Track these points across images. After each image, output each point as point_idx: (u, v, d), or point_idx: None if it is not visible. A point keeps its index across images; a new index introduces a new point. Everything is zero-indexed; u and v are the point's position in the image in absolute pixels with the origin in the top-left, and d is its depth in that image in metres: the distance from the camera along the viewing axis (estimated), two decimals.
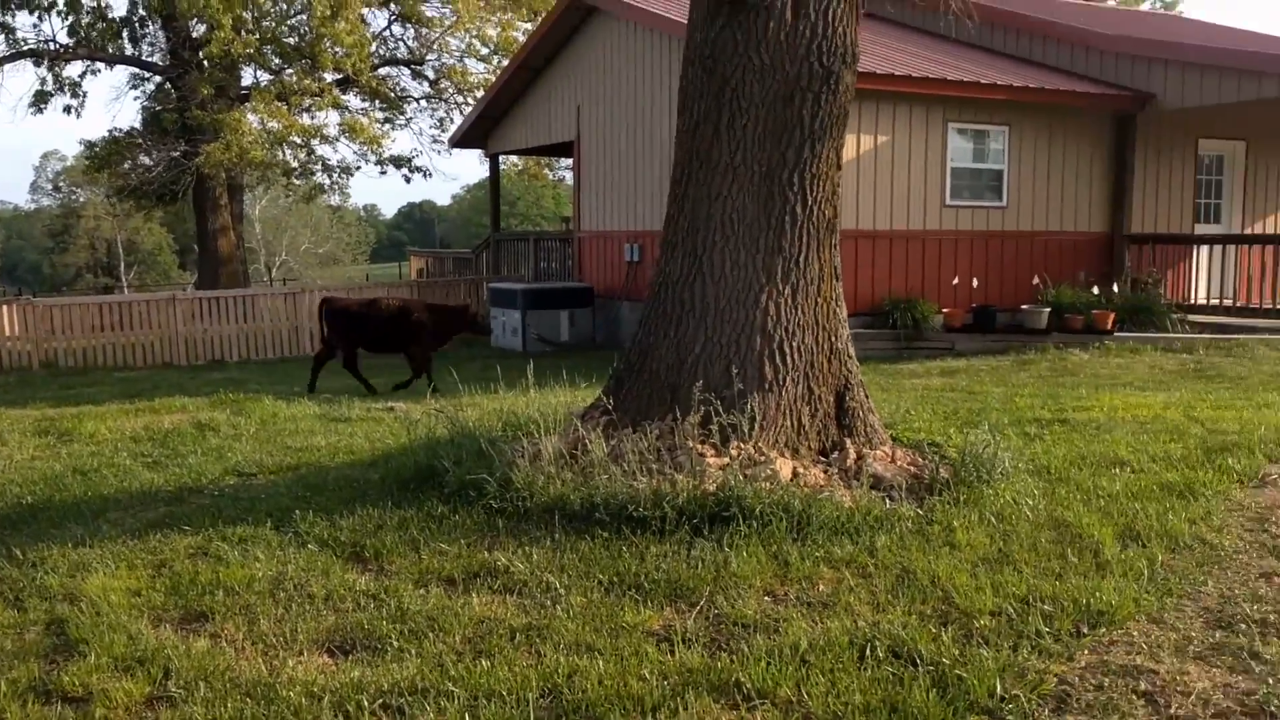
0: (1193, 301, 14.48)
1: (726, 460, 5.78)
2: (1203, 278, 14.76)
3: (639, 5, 15.51)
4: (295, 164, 27.77)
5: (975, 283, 13.77)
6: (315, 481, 6.61)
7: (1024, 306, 13.36)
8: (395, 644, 4.03)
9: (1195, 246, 14.85)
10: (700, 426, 5.89)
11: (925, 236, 13.62)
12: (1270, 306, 13.47)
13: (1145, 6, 35.38)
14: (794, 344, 6.12)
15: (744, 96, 5.76)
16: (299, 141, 26.44)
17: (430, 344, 11.64)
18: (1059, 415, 8.00)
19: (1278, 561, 4.63)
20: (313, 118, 26.48)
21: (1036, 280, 13.81)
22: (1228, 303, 14.16)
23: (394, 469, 6.55)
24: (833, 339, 6.32)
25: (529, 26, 25.72)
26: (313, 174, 28.69)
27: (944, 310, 13.11)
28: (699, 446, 5.87)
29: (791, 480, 5.74)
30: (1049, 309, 13.04)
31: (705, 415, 5.86)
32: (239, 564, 4.96)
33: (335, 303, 12.01)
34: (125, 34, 27.24)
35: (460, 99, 28.64)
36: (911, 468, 6.31)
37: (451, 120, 29.05)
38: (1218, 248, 14.27)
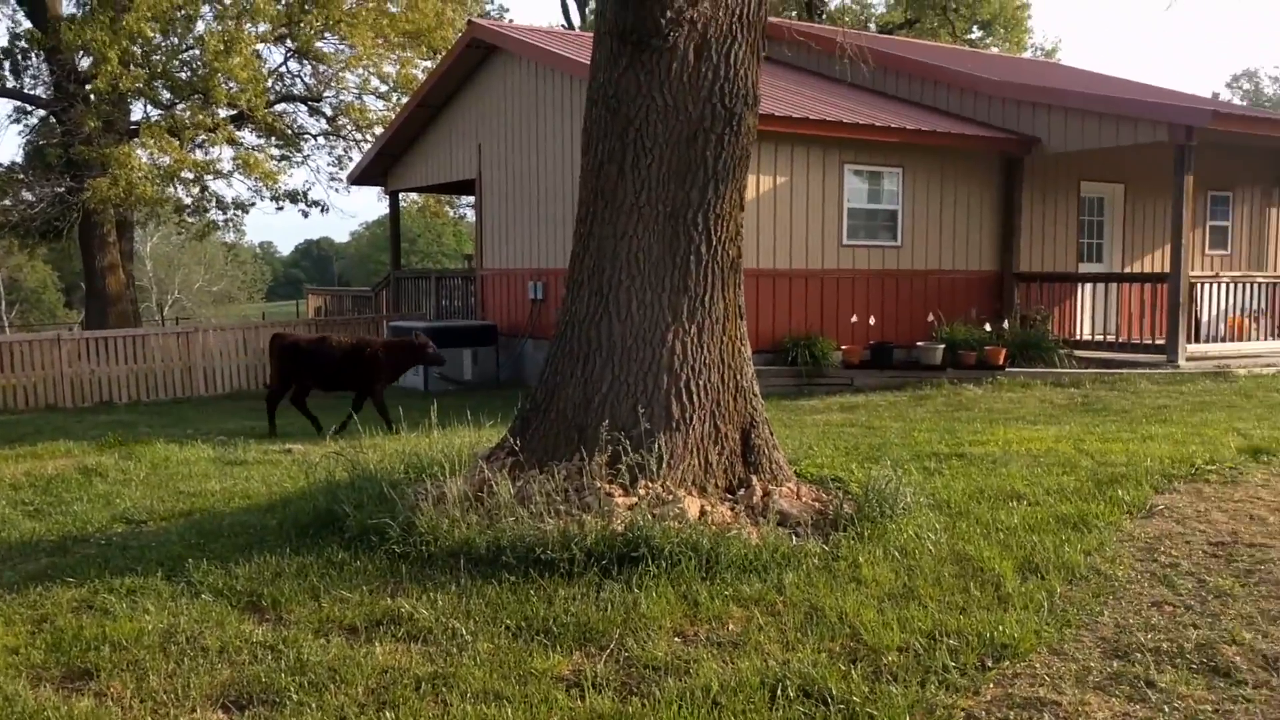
0: (1078, 337, 15.03)
1: (635, 500, 5.76)
2: (1087, 314, 15.35)
3: (539, 45, 15.60)
4: (188, 200, 27.08)
5: (873, 320, 14.08)
6: (209, 528, 6.38)
7: (920, 343, 13.68)
8: (294, 697, 3.89)
9: (1079, 284, 15.44)
10: (608, 466, 5.87)
11: (824, 275, 13.88)
12: (1150, 342, 14.04)
13: (1027, 54, 36.90)
14: (700, 382, 6.15)
15: (648, 136, 5.80)
16: (191, 177, 25.82)
17: (386, 379, 11.45)
18: (956, 450, 8.18)
19: (1168, 590, 4.78)
20: (206, 153, 25.91)
21: (931, 317, 14.18)
22: (1111, 338, 14.73)
23: (292, 514, 6.37)
24: (738, 377, 6.36)
25: (429, 64, 25.63)
26: (206, 210, 28.01)
27: (843, 347, 13.36)
28: (607, 486, 5.83)
29: (699, 519, 5.74)
30: (944, 345, 13.38)
31: (613, 455, 5.84)
32: (127, 617, 4.75)
33: (286, 338, 11.73)
34: (7, 65, 26.34)
35: (359, 136, 28.35)
36: (816, 504, 6.38)
37: (350, 157, 28.74)
38: (1101, 285, 14.86)
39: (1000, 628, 4.29)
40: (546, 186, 15.55)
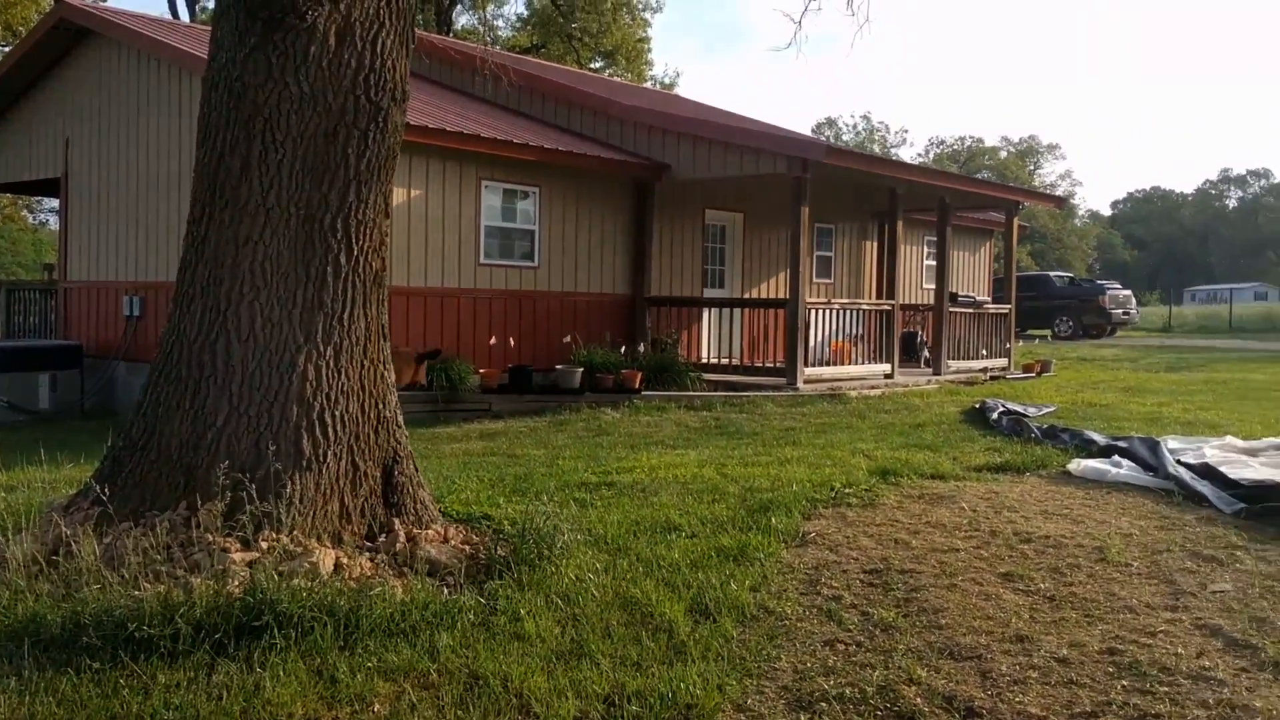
0: (704, 360, 15.51)
1: (256, 555, 4.88)
2: (711, 338, 15.90)
3: (143, 31, 13.85)
4: None
5: (511, 342, 13.69)
6: None
7: (559, 366, 13.46)
8: None
9: (705, 309, 15.97)
10: (225, 517, 4.94)
11: (461, 295, 13.32)
12: (771, 365, 14.74)
13: (648, 85, 38.53)
14: (337, 413, 5.37)
15: (279, 128, 4.96)
16: None
17: None
18: (605, 478, 7.89)
19: (837, 627, 4.65)
20: None
21: (569, 340, 14.03)
22: (734, 361, 15.32)
23: None
24: (380, 406, 5.64)
25: (5, 47, 22.31)
26: None
27: (481, 370, 12.84)
28: (222, 541, 4.90)
29: (334, 574, 4.96)
30: (582, 369, 13.24)
31: (231, 502, 4.93)
32: None
33: None
34: None
35: None
36: (467, 547, 5.78)
37: None
38: (725, 310, 15.42)
39: (682, 684, 3.92)
40: (148, 189, 13.80)
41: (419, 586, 4.93)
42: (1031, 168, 77.50)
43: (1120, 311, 32.78)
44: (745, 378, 14.30)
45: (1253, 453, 8.95)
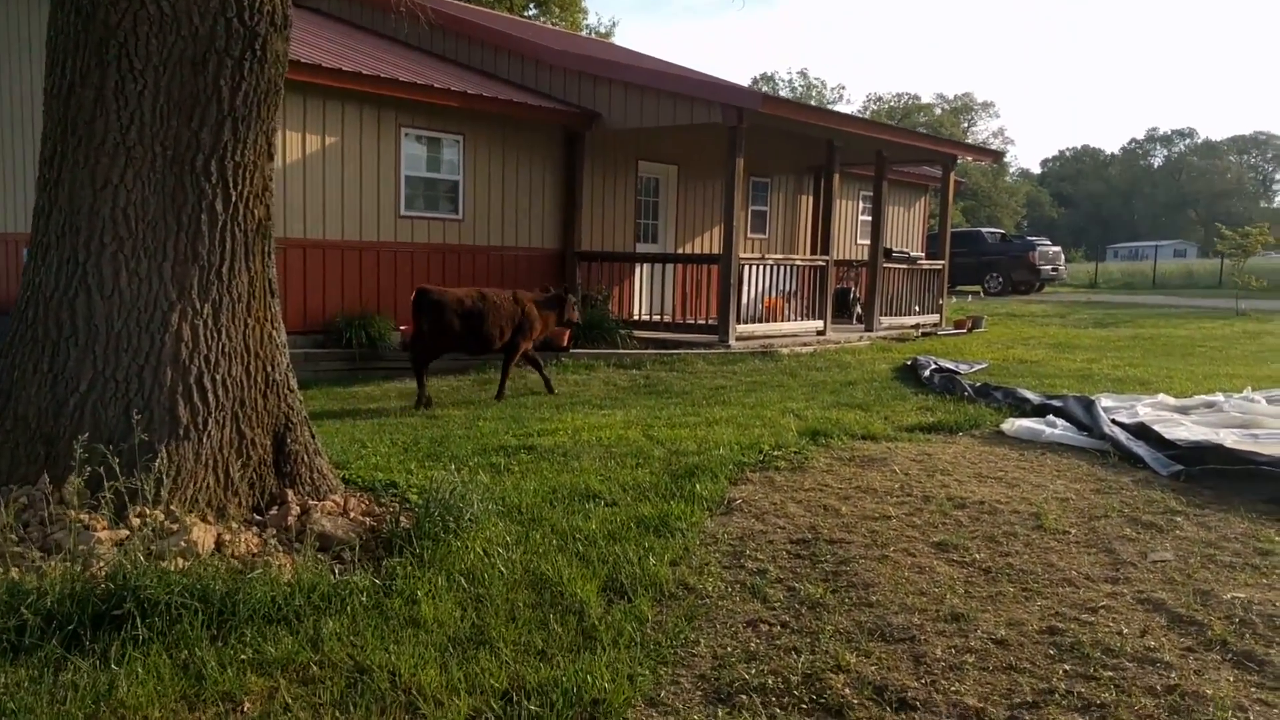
0: (636, 317, 15.11)
1: (126, 533, 4.40)
2: (644, 294, 15.49)
3: None
4: None
5: None
6: None
7: None
8: None
9: (638, 265, 15.53)
10: (90, 491, 4.45)
11: (380, 248, 12.73)
12: (703, 322, 14.39)
13: (583, 34, 37.65)
14: (218, 377, 4.88)
15: (137, 55, 4.41)
16: None
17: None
18: (525, 441, 7.49)
19: (761, 605, 4.31)
20: None
21: None
22: (667, 318, 14.95)
23: None
24: (269, 368, 5.16)
25: None
26: None
27: (402, 328, 12.29)
28: (85, 517, 4.42)
29: (215, 552, 4.51)
30: None
31: (96, 475, 4.43)
32: None
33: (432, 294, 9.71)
34: None
35: None
36: (367, 519, 5.36)
37: None
38: (657, 265, 15.00)
39: (589, 677, 3.55)
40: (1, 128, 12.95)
41: (310, 565, 4.50)
42: (965, 125, 77.80)
43: (1049, 268, 32.98)
44: (678, 335, 13.94)
45: (1184, 410, 8.82)
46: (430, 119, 13.14)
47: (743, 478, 6.38)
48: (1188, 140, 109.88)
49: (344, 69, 11.84)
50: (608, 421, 8.37)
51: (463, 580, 4.46)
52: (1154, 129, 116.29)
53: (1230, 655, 3.83)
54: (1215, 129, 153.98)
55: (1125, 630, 4.04)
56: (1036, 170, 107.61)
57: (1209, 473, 6.26)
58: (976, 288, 32.18)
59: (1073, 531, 5.35)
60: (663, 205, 17.09)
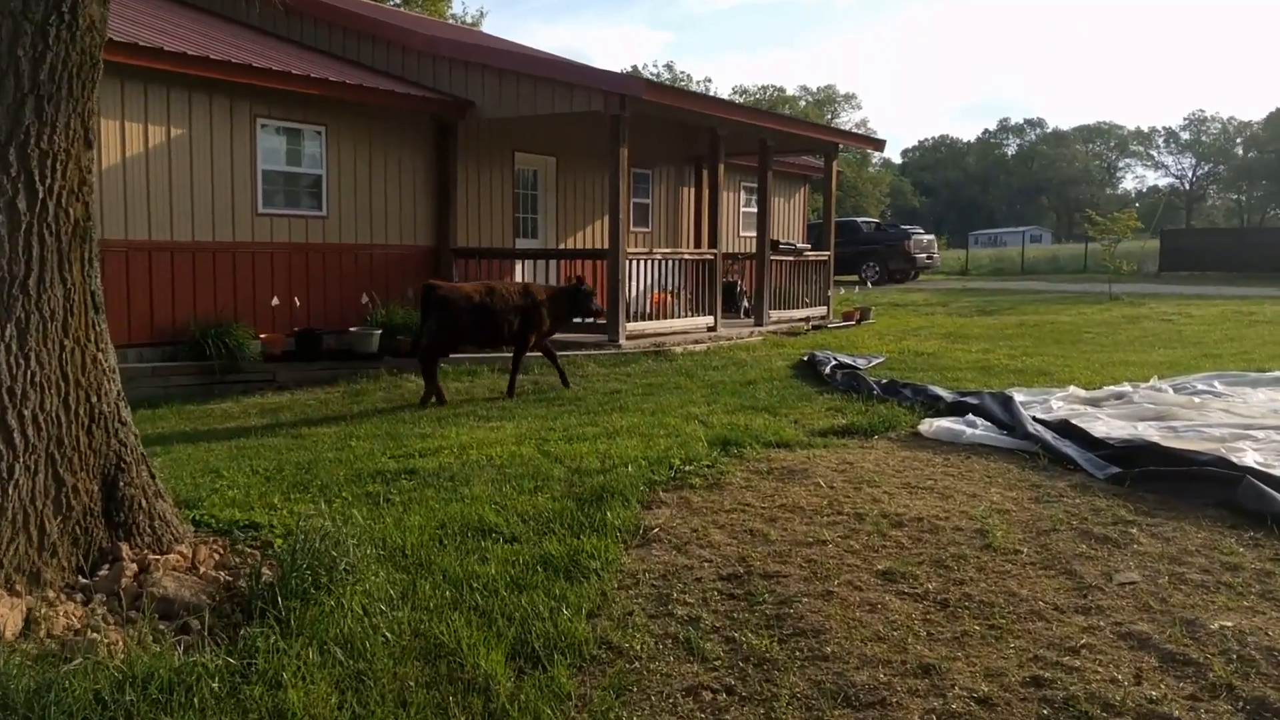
0: None
1: None
2: None
3: None
4: None
5: (298, 303, 12.13)
6: None
7: (353, 329, 12.02)
8: None
9: (517, 261, 14.74)
10: None
11: (237, 249, 11.66)
12: (590, 321, 13.68)
13: (450, 21, 36.47)
14: (27, 413, 3.99)
15: None
16: None
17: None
18: (405, 464, 6.69)
19: (699, 666, 3.67)
20: None
21: (366, 299, 12.56)
22: None
23: None
24: (94, 399, 4.28)
25: None
26: None
27: (263, 336, 11.28)
28: None
29: (24, 635, 3.64)
30: (380, 331, 11.86)
31: None
32: None
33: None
34: None
35: None
36: (222, 573, 4.53)
37: None
38: (540, 262, 14.24)
39: None
40: None
41: (148, 642, 3.67)
42: (829, 117, 78.88)
43: (924, 256, 33.39)
44: (565, 335, 13.18)
45: (1096, 403, 8.56)
46: (289, 109, 12.11)
47: (656, 499, 5.73)
48: (1038, 130, 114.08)
49: (189, 53, 10.75)
50: (498, 436, 7.63)
51: (339, 652, 3.68)
52: (1006, 119, 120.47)
53: (1242, 704, 3.35)
54: (1063, 118, 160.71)
55: (1118, 676, 3.53)
56: (898, 160, 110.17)
57: (1148, 475, 5.87)
58: (853, 277, 32.35)
59: (1025, 550, 4.86)
60: (542, 198, 16.33)
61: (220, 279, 11.49)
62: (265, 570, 4.49)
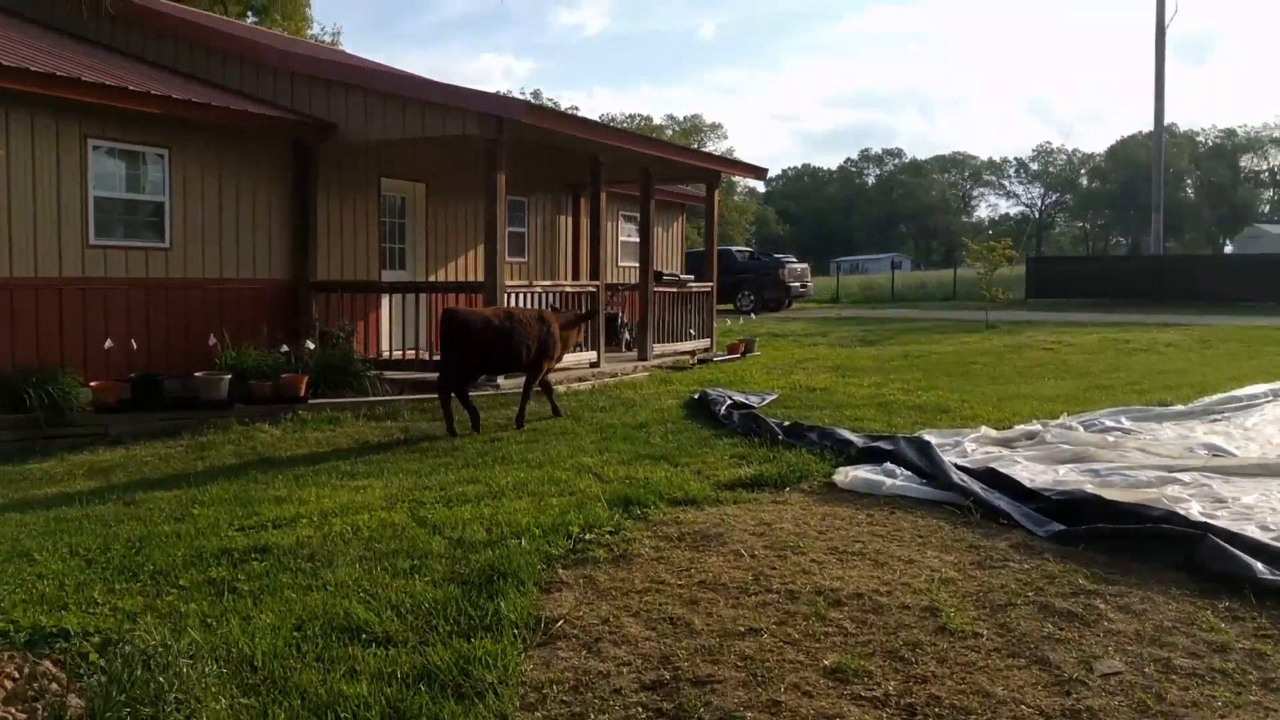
0: (385, 356, 13.29)
1: None
2: (394, 329, 13.68)
3: None
4: None
5: (135, 345, 10.85)
6: None
7: (198, 374, 10.80)
8: None
9: (386, 295, 13.72)
10: None
11: (64, 285, 10.38)
12: None
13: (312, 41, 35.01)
14: None
15: None
16: None
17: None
18: (257, 539, 5.74)
19: None
20: None
21: (214, 340, 11.35)
22: (421, 355, 13.24)
23: None
24: None
25: None
26: None
27: (94, 383, 9.99)
28: None
29: None
30: (229, 375, 10.69)
31: None
32: None
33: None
34: None
35: None
36: (15, 708, 3.54)
37: None
38: (409, 296, 13.24)
39: None
40: None
41: None
42: (697, 145, 79.52)
43: (798, 284, 33.42)
44: (435, 374, 12.25)
45: (1009, 443, 8.17)
46: (126, 129, 10.91)
47: (555, 579, 4.93)
48: (896, 160, 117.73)
49: (6, 64, 9.50)
50: (365, 499, 6.71)
51: None
52: (867, 149, 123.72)
53: None
54: (920, 149, 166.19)
55: None
56: (762, 189, 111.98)
57: (1096, 533, 5.36)
58: (729, 306, 32.09)
59: (985, 633, 4.24)
60: (410, 228, 15.35)
61: (44, 319, 10.19)
62: (72, 699, 3.55)
